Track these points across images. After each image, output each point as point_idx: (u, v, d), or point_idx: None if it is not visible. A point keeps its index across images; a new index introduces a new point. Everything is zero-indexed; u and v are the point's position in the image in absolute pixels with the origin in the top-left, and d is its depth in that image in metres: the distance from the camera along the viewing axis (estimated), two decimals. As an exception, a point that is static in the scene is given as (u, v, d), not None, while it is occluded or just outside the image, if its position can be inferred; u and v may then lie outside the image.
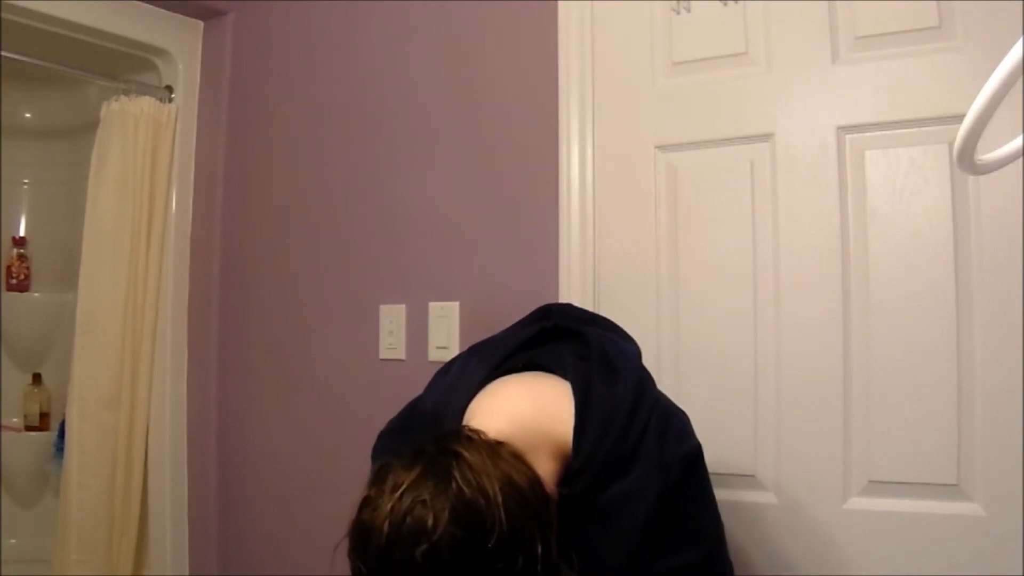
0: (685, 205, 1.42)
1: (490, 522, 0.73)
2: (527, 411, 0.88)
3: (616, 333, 1.03)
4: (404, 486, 0.75)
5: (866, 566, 1.24)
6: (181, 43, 1.99)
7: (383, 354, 1.70)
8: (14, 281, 2.48)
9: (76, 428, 1.80)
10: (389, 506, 0.74)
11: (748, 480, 1.32)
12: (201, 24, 2.03)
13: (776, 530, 1.30)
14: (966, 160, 0.66)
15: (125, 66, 2.00)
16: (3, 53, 1.71)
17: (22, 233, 2.54)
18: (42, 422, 2.45)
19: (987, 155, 0.68)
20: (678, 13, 1.45)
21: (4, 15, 1.66)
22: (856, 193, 1.29)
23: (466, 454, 0.77)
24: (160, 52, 1.97)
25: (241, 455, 1.91)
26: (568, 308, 1.10)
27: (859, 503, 1.26)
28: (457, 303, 1.61)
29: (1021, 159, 0.67)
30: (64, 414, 1.89)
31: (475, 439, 0.80)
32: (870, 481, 1.25)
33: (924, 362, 1.22)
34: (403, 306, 1.68)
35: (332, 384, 1.78)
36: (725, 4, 1.40)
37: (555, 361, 0.95)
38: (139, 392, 1.91)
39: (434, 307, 1.64)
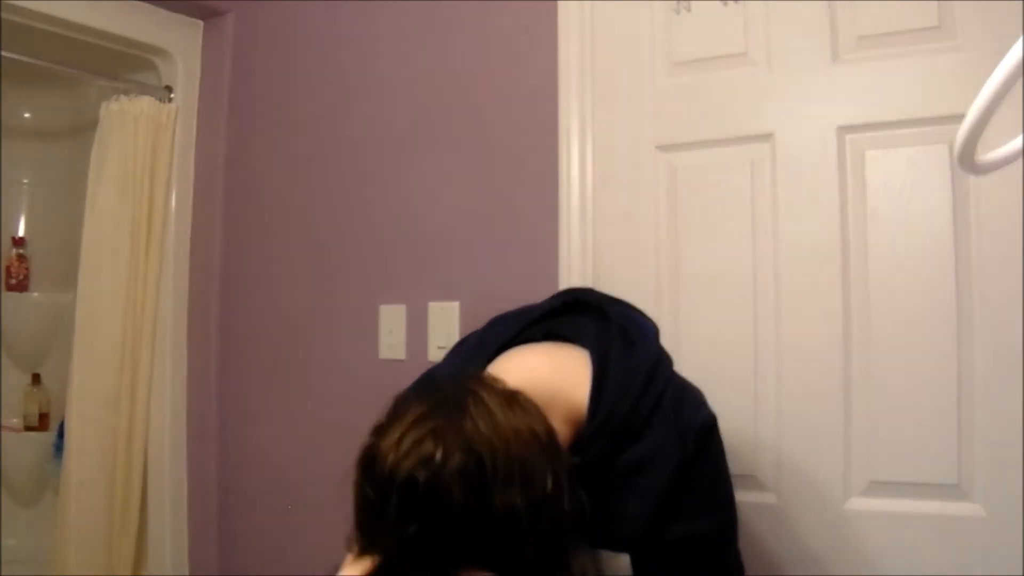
0: (685, 205, 1.42)
1: (501, 458, 0.72)
2: (544, 372, 0.88)
3: (635, 312, 1.03)
4: (417, 415, 0.75)
5: (866, 566, 1.24)
6: (181, 43, 1.99)
7: (383, 354, 1.70)
8: (14, 281, 2.48)
9: (76, 428, 1.80)
10: (399, 433, 0.73)
11: (748, 480, 1.32)
12: (201, 24, 2.03)
13: (776, 530, 1.30)
14: (966, 160, 0.66)
15: (125, 66, 2.00)
16: (3, 53, 1.70)
17: (22, 233, 2.54)
18: (42, 422, 2.45)
19: (987, 155, 0.68)
20: (678, 13, 1.45)
21: (4, 15, 1.65)
22: (856, 193, 1.29)
23: (483, 394, 0.77)
24: (160, 52, 1.97)
25: (241, 455, 1.91)
26: (589, 290, 1.10)
27: (859, 503, 1.26)
28: (457, 303, 1.61)
29: (1021, 159, 0.67)
30: (64, 414, 1.89)
31: (493, 385, 0.80)
32: (870, 481, 1.25)
33: (924, 362, 1.22)
34: (403, 306, 1.68)
35: (332, 384, 1.78)
36: (725, 4, 1.40)
37: (575, 332, 0.95)
38: (139, 392, 1.91)
39: (434, 307, 1.64)
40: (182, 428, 1.96)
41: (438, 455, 0.71)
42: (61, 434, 1.98)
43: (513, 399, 0.78)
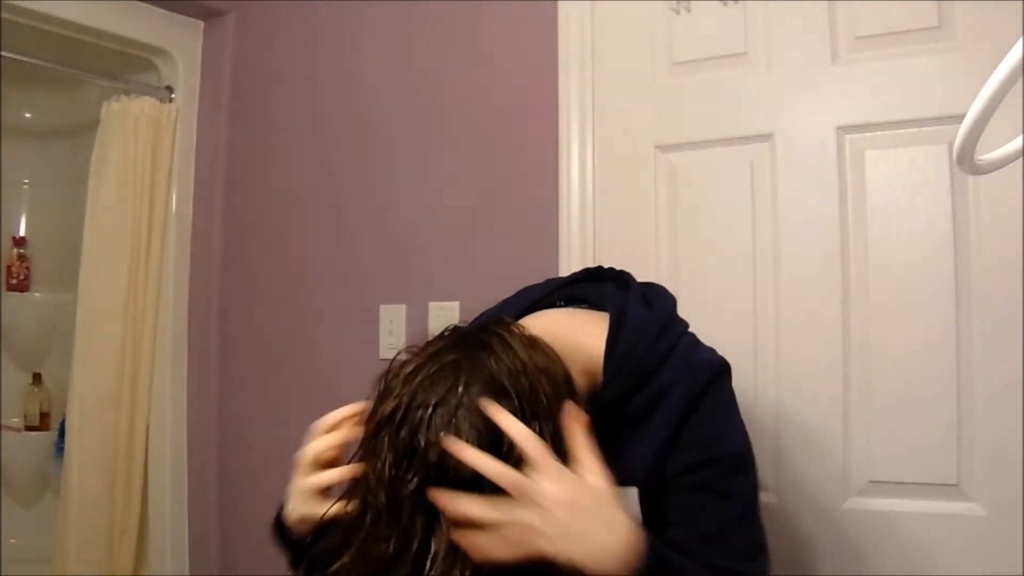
0: (685, 205, 1.42)
1: (518, 393, 0.71)
2: (562, 326, 0.89)
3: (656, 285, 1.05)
4: (436, 349, 0.74)
5: (866, 566, 1.24)
6: (181, 43, 1.99)
7: (383, 354, 1.70)
8: (14, 281, 2.48)
9: (76, 428, 1.80)
10: (416, 364, 0.73)
11: (748, 480, 1.32)
12: (201, 24, 2.03)
13: (776, 530, 1.30)
14: (966, 160, 0.66)
15: (125, 66, 2.00)
16: (3, 53, 1.71)
17: (22, 233, 2.54)
18: (42, 422, 2.45)
19: (987, 155, 0.68)
20: (678, 13, 1.45)
21: (4, 15, 1.66)
22: (856, 193, 1.29)
23: (504, 333, 0.77)
24: (160, 52, 1.97)
25: (241, 455, 1.91)
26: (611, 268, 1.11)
27: (859, 503, 1.26)
28: (457, 303, 1.61)
29: (1021, 159, 0.67)
30: (64, 414, 1.89)
31: (514, 329, 0.79)
32: (870, 481, 1.25)
33: (924, 362, 1.23)
34: (403, 306, 1.69)
35: (332, 384, 1.78)
36: (725, 4, 1.40)
37: (596, 295, 0.96)
38: (139, 392, 1.91)
39: (434, 307, 1.64)
40: (182, 428, 1.96)
41: (459, 390, 0.70)
42: (62, 434, 1.98)
43: (533, 343, 0.78)
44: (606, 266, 1.05)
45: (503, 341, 0.75)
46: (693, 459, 0.84)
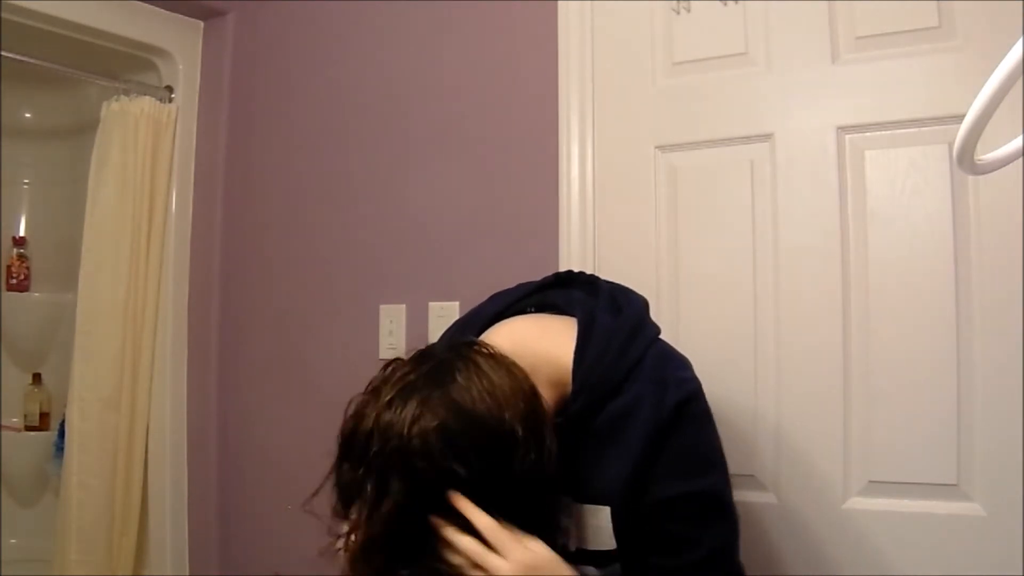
0: (685, 205, 1.42)
1: (482, 419, 0.74)
2: (531, 338, 0.89)
3: (628, 288, 1.04)
4: (405, 374, 0.77)
5: (866, 566, 1.24)
6: (181, 43, 1.99)
7: (383, 354, 1.70)
8: (14, 281, 2.48)
9: (76, 428, 1.80)
10: (387, 393, 0.75)
11: (748, 480, 1.32)
12: (201, 24, 2.03)
13: (776, 530, 1.30)
14: (966, 160, 0.66)
15: (125, 66, 2.00)
16: (3, 53, 1.71)
17: (22, 233, 2.54)
18: (42, 422, 2.45)
19: (987, 155, 0.68)
20: (678, 13, 1.45)
21: (4, 15, 1.66)
22: (856, 193, 1.29)
23: (472, 357, 0.79)
24: (160, 52, 1.97)
25: (241, 455, 1.91)
26: (583, 272, 1.11)
27: (859, 503, 1.26)
28: (457, 303, 1.61)
29: (1021, 159, 0.67)
30: (64, 414, 1.89)
31: (483, 349, 0.81)
32: (870, 481, 1.25)
33: (924, 362, 1.22)
34: (403, 306, 1.69)
35: (332, 384, 1.77)
36: (725, 4, 1.40)
37: (566, 301, 0.97)
38: (139, 392, 1.91)
39: (434, 307, 1.64)
40: (182, 428, 1.96)
41: (422, 414, 0.73)
42: (62, 434, 1.98)
43: (499, 362, 0.79)
44: (576, 270, 1.06)
45: (469, 365, 0.77)
46: (673, 492, 0.85)
